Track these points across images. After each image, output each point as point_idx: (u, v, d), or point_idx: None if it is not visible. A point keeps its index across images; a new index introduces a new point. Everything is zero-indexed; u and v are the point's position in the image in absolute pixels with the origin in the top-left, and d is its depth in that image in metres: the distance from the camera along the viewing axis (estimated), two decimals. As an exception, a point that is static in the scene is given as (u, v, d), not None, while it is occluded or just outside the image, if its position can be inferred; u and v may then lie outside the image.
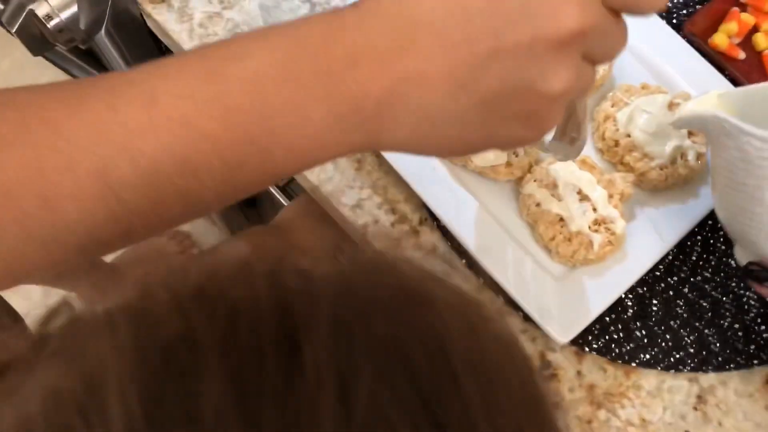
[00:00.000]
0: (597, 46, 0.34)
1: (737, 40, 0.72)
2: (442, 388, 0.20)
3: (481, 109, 0.32)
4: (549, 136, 0.48)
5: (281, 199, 0.84)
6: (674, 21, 0.74)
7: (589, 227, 0.62)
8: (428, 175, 0.65)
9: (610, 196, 0.63)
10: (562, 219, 0.62)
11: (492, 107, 0.32)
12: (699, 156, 0.64)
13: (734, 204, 0.55)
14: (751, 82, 0.70)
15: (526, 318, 0.62)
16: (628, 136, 0.64)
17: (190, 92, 0.31)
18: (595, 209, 0.62)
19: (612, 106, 0.66)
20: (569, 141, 0.48)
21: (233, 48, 0.33)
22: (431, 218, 0.66)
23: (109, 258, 1.39)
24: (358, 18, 0.31)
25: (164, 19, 0.71)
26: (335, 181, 0.67)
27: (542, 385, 0.24)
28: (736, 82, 0.70)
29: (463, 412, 0.20)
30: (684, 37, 0.70)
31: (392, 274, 0.25)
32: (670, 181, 0.65)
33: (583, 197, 0.63)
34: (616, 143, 0.65)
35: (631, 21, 0.69)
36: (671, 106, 0.65)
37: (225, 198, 0.34)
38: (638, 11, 0.35)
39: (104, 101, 0.31)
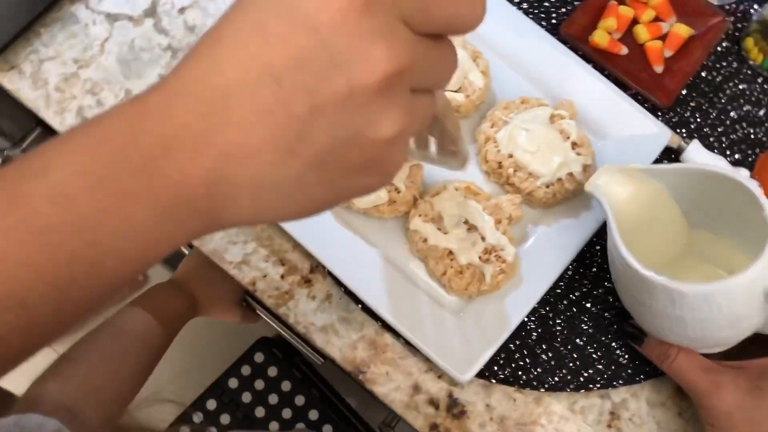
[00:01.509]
0: (423, 77, 0.32)
1: (618, 35, 0.70)
2: None
3: (317, 168, 0.30)
4: (433, 147, 0.46)
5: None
6: (553, 21, 0.71)
7: (480, 257, 0.60)
8: (312, 222, 0.62)
9: (498, 222, 0.61)
10: (451, 252, 0.60)
11: (327, 164, 0.30)
12: (585, 168, 0.62)
13: (622, 284, 0.57)
14: (636, 78, 0.68)
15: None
16: (511, 156, 0.62)
17: None
18: (483, 238, 0.60)
19: (491, 127, 0.63)
20: (450, 154, 0.46)
21: (35, 162, 0.30)
22: (323, 265, 0.64)
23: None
24: (163, 101, 0.29)
25: (16, 88, 0.67)
26: (216, 239, 0.64)
27: None
28: (617, 81, 0.68)
29: None
30: (561, 39, 0.68)
31: None
32: (559, 197, 0.63)
33: (471, 227, 0.60)
34: (500, 164, 0.63)
35: (508, 29, 0.67)
36: (553, 118, 0.63)
37: (68, 318, 0.32)
38: (454, 32, 0.32)
39: None
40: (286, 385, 1.29)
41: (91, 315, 0.33)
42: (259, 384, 1.28)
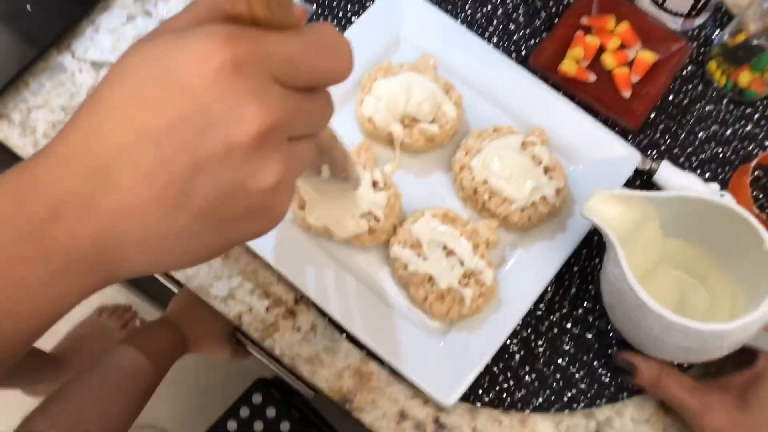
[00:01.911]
0: (299, 126, 0.33)
1: (586, 63, 0.73)
2: None
3: (202, 220, 0.31)
4: (326, 173, 0.48)
5: (171, 287, 0.83)
6: (523, 53, 0.74)
7: (459, 282, 0.61)
8: (295, 254, 0.64)
9: (476, 246, 0.62)
10: (431, 278, 0.62)
11: (213, 215, 0.31)
12: (558, 191, 0.64)
13: (620, 309, 0.58)
14: (605, 104, 0.71)
15: (411, 385, 0.61)
16: (485, 182, 0.64)
17: None
18: (462, 263, 0.61)
19: (466, 155, 0.65)
20: (342, 179, 0.48)
21: None
22: (307, 296, 0.65)
23: (47, 346, 1.36)
24: (49, 168, 0.30)
25: (6, 136, 0.69)
26: (202, 275, 0.66)
27: None
28: (587, 107, 0.70)
29: None
30: (531, 70, 0.70)
31: None
32: (534, 221, 0.64)
33: (449, 252, 0.62)
34: (475, 191, 0.64)
35: (479, 62, 0.70)
36: (524, 145, 0.65)
37: None
38: (324, 85, 0.34)
39: None
40: (285, 426, 1.28)
41: (2, 372, 0.33)
42: (258, 425, 1.28)
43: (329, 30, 0.31)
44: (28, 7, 0.71)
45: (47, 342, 1.33)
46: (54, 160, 0.30)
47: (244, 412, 1.28)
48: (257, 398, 1.29)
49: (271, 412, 1.29)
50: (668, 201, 0.57)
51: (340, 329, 0.64)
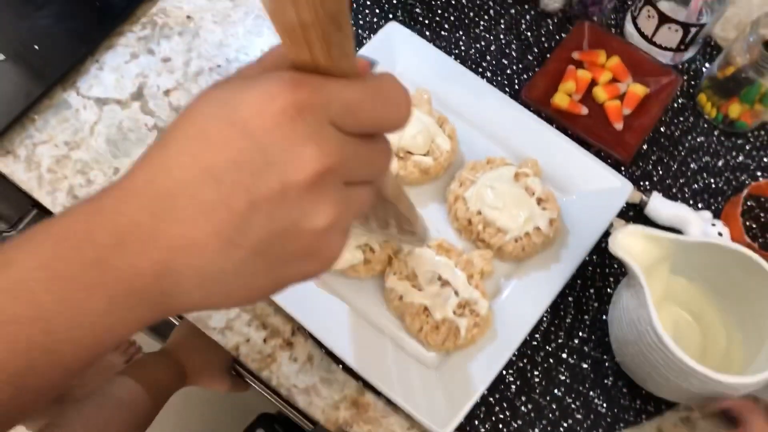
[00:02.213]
0: (356, 171, 0.34)
1: (578, 97, 0.74)
2: None
3: (256, 258, 0.32)
4: (393, 228, 0.48)
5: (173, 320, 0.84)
6: (516, 87, 0.75)
7: (454, 312, 0.62)
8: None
9: (471, 277, 0.63)
10: (426, 309, 0.62)
11: (266, 255, 0.32)
12: (551, 222, 0.65)
13: (629, 336, 0.58)
14: (597, 136, 0.72)
15: (407, 415, 0.61)
16: (479, 213, 0.65)
17: None
18: (457, 293, 0.62)
19: (460, 186, 0.67)
20: (408, 233, 0.49)
21: (2, 255, 0.32)
22: (303, 327, 0.65)
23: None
24: (116, 200, 0.32)
25: (11, 171, 0.71)
26: (201, 307, 0.66)
27: None
28: (580, 139, 0.71)
29: None
30: (523, 103, 0.72)
31: None
32: (528, 251, 0.65)
33: (444, 283, 0.63)
34: (470, 221, 0.65)
35: (473, 96, 0.71)
36: (517, 176, 0.66)
37: (25, 405, 0.34)
38: (382, 132, 0.35)
39: None
40: (287, 462, 1.28)
41: (47, 401, 0.35)
42: (262, 460, 1.27)
43: (390, 80, 0.33)
44: (36, 46, 0.74)
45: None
46: (122, 192, 0.31)
47: (248, 447, 1.28)
48: (261, 434, 1.29)
49: (274, 447, 1.29)
50: (695, 246, 0.58)
51: (337, 360, 0.65)
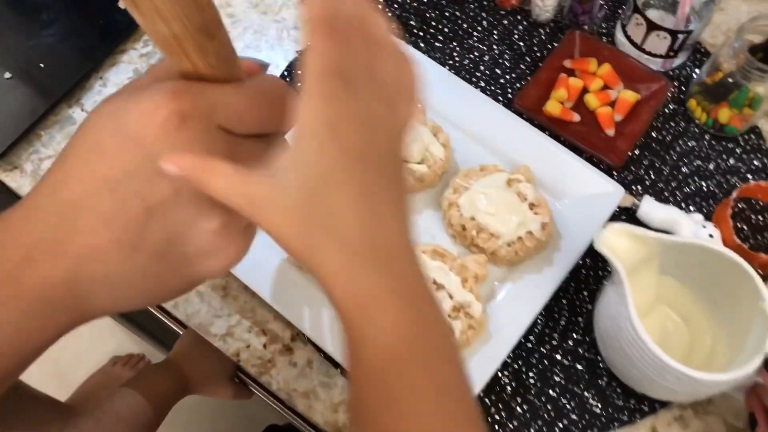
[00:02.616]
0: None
1: (570, 104, 0.76)
2: None
3: (159, 260, 0.34)
4: None
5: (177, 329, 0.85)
6: (509, 96, 0.77)
7: (449, 315, 0.63)
8: (291, 293, 0.66)
9: (465, 281, 0.64)
10: (422, 312, 0.63)
11: (168, 256, 0.34)
12: (544, 226, 0.66)
13: (610, 332, 0.59)
14: (589, 142, 0.73)
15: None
16: (473, 218, 0.66)
17: None
18: (451, 296, 0.63)
19: (454, 193, 0.68)
20: None
21: None
22: (302, 333, 0.67)
23: (62, 396, 1.38)
24: (23, 215, 0.34)
25: (18, 185, 0.73)
26: (202, 313, 0.68)
27: None
28: (572, 146, 0.72)
29: None
30: (516, 111, 0.73)
31: None
32: (522, 255, 0.66)
33: (438, 286, 0.64)
34: (464, 227, 0.67)
35: (466, 105, 0.73)
36: (509, 182, 0.68)
37: None
38: (270, 131, 0.36)
39: None
40: (294, 474, 1.28)
41: None
42: (270, 471, 1.28)
43: (273, 82, 0.34)
44: (41, 64, 0.76)
45: (62, 392, 1.35)
46: (28, 208, 0.33)
47: (256, 458, 1.29)
48: (268, 445, 1.30)
49: (282, 459, 1.30)
50: (680, 246, 0.59)
51: (336, 364, 0.66)
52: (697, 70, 0.78)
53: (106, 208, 0.32)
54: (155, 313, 0.89)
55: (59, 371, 1.52)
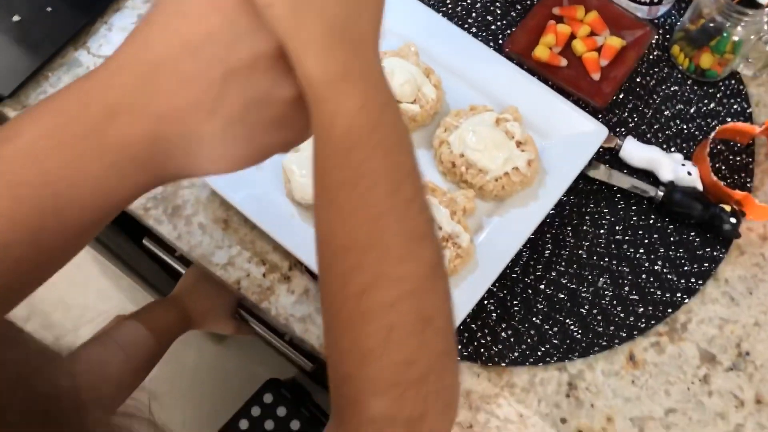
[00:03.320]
0: None
1: (558, 50, 0.79)
2: None
3: (235, 125, 0.36)
4: None
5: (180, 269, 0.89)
6: (500, 41, 0.80)
7: (438, 245, 0.66)
8: (289, 224, 0.70)
9: (454, 213, 0.68)
10: (412, 242, 0.67)
11: (244, 122, 0.36)
12: (530, 162, 0.69)
13: None
14: (575, 85, 0.76)
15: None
16: (462, 155, 0.70)
17: None
18: (440, 227, 0.67)
19: (444, 131, 0.71)
20: None
21: (7, 130, 0.37)
22: (300, 263, 0.70)
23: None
24: (107, 75, 0.36)
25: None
26: (204, 245, 0.72)
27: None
28: (560, 89, 0.75)
29: None
30: (506, 55, 0.76)
31: None
32: (508, 190, 0.70)
33: (429, 219, 0.67)
34: (453, 164, 0.70)
35: (458, 48, 0.75)
36: (498, 121, 0.71)
37: (41, 264, 0.38)
38: None
39: None
40: (295, 425, 1.33)
41: (59, 263, 0.40)
42: (269, 424, 1.32)
43: None
44: (48, 8, 0.79)
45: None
46: (112, 68, 0.36)
47: (256, 411, 1.33)
48: (268, 398, 1.34)
49: (281, 411, 1.34)
50: None
51: (331, 292, 0.70)
52: (681, 18, 0.81)
53: (186, 71, 0.34)
54: (160, 254, 0.93)
55: (64, 331, 1.56)
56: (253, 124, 0.36)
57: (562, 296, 0.70)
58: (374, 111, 0.37)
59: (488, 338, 0.68)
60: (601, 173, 0.73)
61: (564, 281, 0.70)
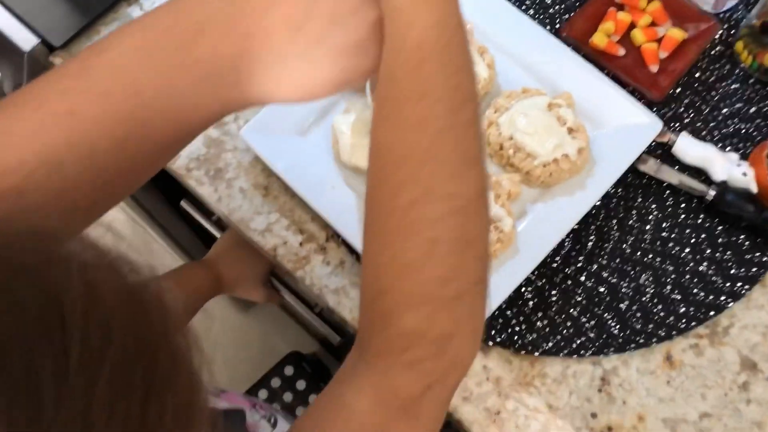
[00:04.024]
0: None
1: (616, 38, 0.76)
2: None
3: (319, 46, 0.38)
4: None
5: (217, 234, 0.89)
6: (557, 26, 0.78)
7: (480, 227, 0.65)
8: (329, 194, 0.69)
9: (498, 197, 0.66)
10: (453, 222, 0.66)
11: (327, 43, 0.38)
12: (580, 151, 0.68)
13: None
14: (632, 75, 0.74)
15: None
16: (511, 138, 0.68)
17: (66, 88, 0.37)
18: (483, 210, 0.66)
19: (495, 112, 0.70)
20: None
21: (98, 44, 0.39)
22: (337, 234, 0.70)
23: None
24: None
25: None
26: (244, 209, 0.71)
27: (172, 333, 0.27)
28: (617, 79, 0.73)
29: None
30: (563, 40, 0.74)
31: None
32: (555, 177, 0.68)
33: (472, 200, 0.66)
34: (501, 146, 0.69)
35: (513, 29, 0.74)
36: (550, 106, 0.69)
37: (125, 173, 0.40)
38: None
39: None
40: (312, 399, 1.33)
41: (140, 178, 0.41)
42: (288, 396, 1.33)
43: None
44: (104, -37, 0.79)
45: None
46: None
47: (276, 382, 1.34)
48: (289, 370, 1.35)
49: (301, 384, 1.34)
50: None
51: (366, 267, 0.69)
52: (748, 14, 0.78)
53: None
54: (197, 216, 0.93)
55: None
56: (336, 46, 0.38)
57: (602, 290, 0.68)
58: (447, 29, 0.38)
59: (523, 326, 0.67)
60: (649, 167, 0.71)
61: (605, 275, 0.69)
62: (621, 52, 0.76)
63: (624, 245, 0.70)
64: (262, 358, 1.49)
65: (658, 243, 0.70)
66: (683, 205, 0.71)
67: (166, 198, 1.02)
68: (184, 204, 0.92)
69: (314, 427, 0.41)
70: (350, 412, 0.40)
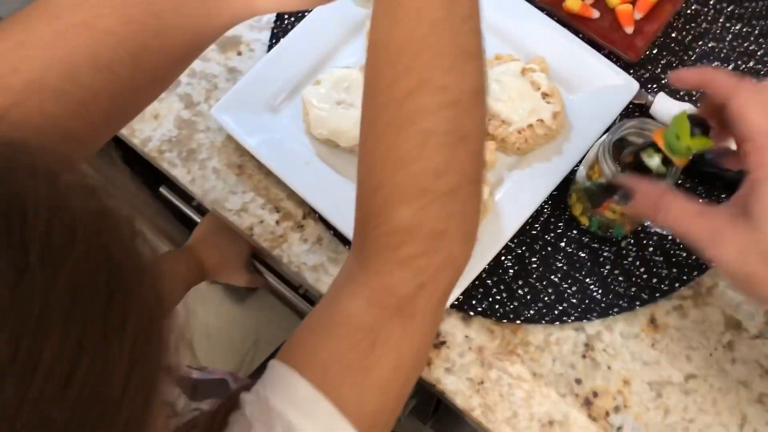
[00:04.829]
0: None
1: (590, 1, 0.75)
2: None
3: None
4: None
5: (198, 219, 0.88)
6: (530, -8, 0.77)
7: (456, 197, 0.64)
8: (304, 171, 0.68)
9: (474, 165, 0.65)
10: (429, 193, 0.65)
11: None
12: (555, 115, 0.67)
13: None
14: (607, 37, 0.73)
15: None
16: (485, 105, 0.67)
17: (80, 0, 0.39)
18: (459, 179, 0.65)
19: (467, 80, 0.69)
20: None
21: None
22: (314, 211, 0.69)
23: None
24: None
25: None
26: (218, 190, 0.70)
27: (131, 247, 0.27)
28: (592, 42, 0.72)
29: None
30: (536, 5, 0.73)
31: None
32: (531, 143, 0.67)
33: (447, 169, 0.65)
34: (475, 114, 0.68)
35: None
36: (524, 71, 0.68)
37: (141, 85, 0.43)
38: None
39: None
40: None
41: (156, 89, 0.44)
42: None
43: None
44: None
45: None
46: None
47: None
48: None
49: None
50: None
51: (345, 241, 0.68)
52: (723, -29, 0.77)
53: None
54: (176, 202, 0.92)
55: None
56: None
57: (583, 255, 0.68)
58: None
59: (504, 294, 0.66)
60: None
61: (585, 239, 0.68)
62: (595, 14, 0.74)
63: (604, 209, 0.69)
64: (261, 347, 1.49)
65: (639, 206, 0.69)
66: (663, 166, 0.70)
67: (146, 185, 1.01)
68: (163, 190, 0.91)
69: (311, 333, 0.41)
70: (345, 315, 0.41)
